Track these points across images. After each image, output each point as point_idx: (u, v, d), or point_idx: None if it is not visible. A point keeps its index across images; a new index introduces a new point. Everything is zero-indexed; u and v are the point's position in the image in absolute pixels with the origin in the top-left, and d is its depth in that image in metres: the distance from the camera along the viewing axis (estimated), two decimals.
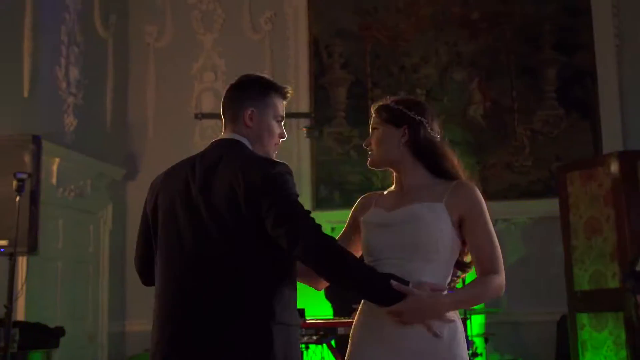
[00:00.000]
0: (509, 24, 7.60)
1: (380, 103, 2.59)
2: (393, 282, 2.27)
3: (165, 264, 2.42)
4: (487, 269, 2.44)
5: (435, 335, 2.32)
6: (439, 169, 2.52)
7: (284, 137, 2.63)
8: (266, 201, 2.27)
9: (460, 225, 2.44)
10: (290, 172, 2.38)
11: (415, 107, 2.55)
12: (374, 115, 2.58)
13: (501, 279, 2.45)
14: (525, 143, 7.36)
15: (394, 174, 2.59)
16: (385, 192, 2.63)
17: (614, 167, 5.89)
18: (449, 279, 2.47)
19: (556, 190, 6.54)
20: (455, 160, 2.56)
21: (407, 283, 2.29)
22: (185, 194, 2.41)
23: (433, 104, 7.55)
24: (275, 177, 2.32)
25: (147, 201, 2.55)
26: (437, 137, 2.53)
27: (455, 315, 2.41)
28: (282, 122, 2.63)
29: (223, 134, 2.57)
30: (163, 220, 2.45)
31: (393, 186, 2.60)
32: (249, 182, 2.30)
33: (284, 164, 2.41)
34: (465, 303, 2.49)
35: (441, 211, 2.42)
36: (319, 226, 2.28)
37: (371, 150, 2.57)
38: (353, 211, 2.66)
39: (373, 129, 2.57)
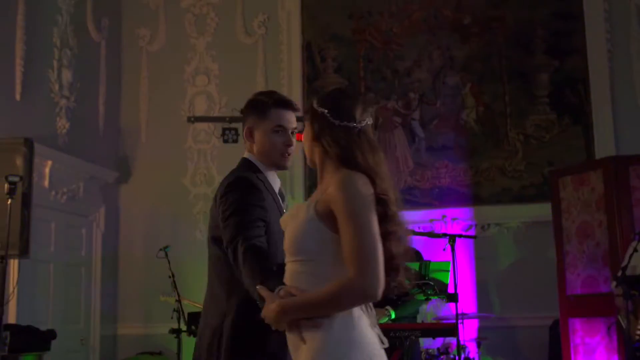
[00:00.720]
0: (501, 28, 7.61)
1: None
2: (258, 287, 2.29)
3: None
4: (349, 269, 2.14)
5: (302, 340, 2.19)
6: (345, 162, 2.28)
7: (290, 145, 2.79)
8: (219, 215, 2.62)
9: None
10: (242, 183, 2.61)
11: (322, 98, 2.38)
12: None
13: (360, 281, 2.11)
14: (517, 147, 7.37)
15: None
16: None
17: (607, 172, 5.91)
18: None
19: (549, 195, 6.56)
20: (365, 149, 2.29)
21: (273, 288, 2.26)
22: None
23: (426, 108, 7.57)
24: (224, 192, 2.63)
25: None
26: (346, 127, 2.30)
27: (326, 321, 2.16)
28: (290, 131, 2.79)
29: None
30: None
31: None
32: (217, 197, 2.67)
33: (239, 177, 2.65)
34: (308, 308, 2.16)
35: (308, 209, 2.25)
36: (246, 237, 2.48)
37: None
38: None
39: None
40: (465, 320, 6.30)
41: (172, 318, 6.28)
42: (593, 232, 5.97)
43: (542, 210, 6.74)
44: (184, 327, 6.21)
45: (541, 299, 6.70)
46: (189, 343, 5.94)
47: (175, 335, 6.28)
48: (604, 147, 7.06)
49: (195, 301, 6.41)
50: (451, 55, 7.67)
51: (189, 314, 6.09)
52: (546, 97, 7.41)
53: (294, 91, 7.84)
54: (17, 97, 6.48)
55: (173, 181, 7.87)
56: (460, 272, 6.42)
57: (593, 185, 6.02)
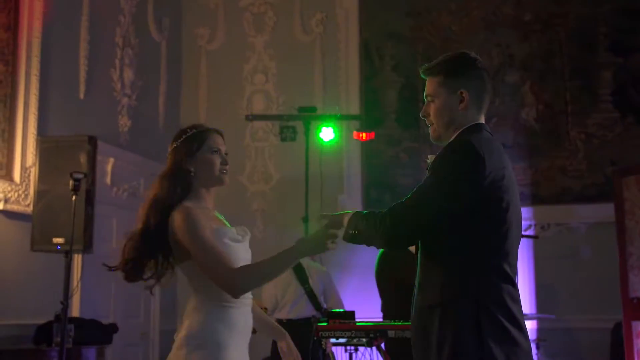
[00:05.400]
0: (563, 25, 7.48)
1: None
2: None
3: None
4: None
5: None
6: None
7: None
8: None
9: None
10: None
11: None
12: None
13: None
14: (579, 147, 7.24)
15: None
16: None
17: None
18: None
19: (611, 195, 6.42)
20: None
21: None
22: None
23: None
24: None
25: None
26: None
27: None
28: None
29: None
30: None
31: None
32: None
33: None
34: None
35: None
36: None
37: None
38: None
39: None
40: (524, 321, 6.21)
41: None
42: None
43: (604, 211, 6.60)
44: None
45: (603, 301, 6.57)
46: None
47: None
48: None
49: (253, 298, 6.46)
50: (511, 53, 7.57)
51: None
52: (609, 95, 7.26)
53: (352, 89, 7.84)
54: (81, 95, 6.63)
55: (231, 179, 7.80)
56: (520, 272, 6.34)
57: None
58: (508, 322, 2.27)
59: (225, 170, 2.84)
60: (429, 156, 2.46)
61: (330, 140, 7.07)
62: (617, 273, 6.11)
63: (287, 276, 6.16)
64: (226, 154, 2.87)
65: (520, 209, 2.45)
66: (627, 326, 5.98)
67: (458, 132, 2.44)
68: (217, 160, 2.81)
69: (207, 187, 2.81)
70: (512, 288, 2.32)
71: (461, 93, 2.47)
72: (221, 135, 2.90)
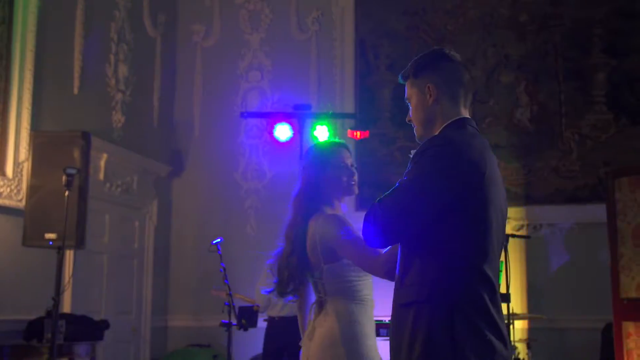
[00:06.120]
0: (558, 26, 7.49)
1: None
2: None
3: None
4: None
5: None
6: None
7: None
8: None
9: None
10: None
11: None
12: None
13: None
14: (572, 147, 7.25)
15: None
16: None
17: None
18: None
19: (603, 196, 6.43)
20: None
21: None
22: None
23: (479, 106, 7.48)
24: None
25: None
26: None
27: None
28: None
29: None
30: None
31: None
32: None
33: None
34: None
35: None
36: None
37: None
38: None
39: None
40: (515, 321, 6.23)
41: (222, 312, 6.33)
42: None
43: (596, 212, 6.62)
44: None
45: (593, 301, 6.59)
46: (239, 337, 6.01)
47: (225, 328, 6.32)
48: None
49: (245, 296, 6.47)
50: (506, 53, 7.57)
51: (240, 308, 6.13)
52: (603, 96, 7.27)
53: (346, 88, 7.84)
54: (75, 91, 6.61)
55: (225, 176, 7.93)
56: (511, 272, 6.35)
57: None
58: (484, 326, 2.18)
59: (353, 181, 3.04)
60: (411, 151, 2.41)
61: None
62: (607, 274, 6.12)
63: None
64: (353, 165, 3.06)
65: (504, 209, 2.38)
66: (618, 327, 5.99)
67: (441, 128, 2.41)
68: (345, 175, 3.01)
69: (339, 197, 3.05)
70: (491, 290, 2.24)
71: (428, 88, 2.45)
72: (347, 148, 3.09)
